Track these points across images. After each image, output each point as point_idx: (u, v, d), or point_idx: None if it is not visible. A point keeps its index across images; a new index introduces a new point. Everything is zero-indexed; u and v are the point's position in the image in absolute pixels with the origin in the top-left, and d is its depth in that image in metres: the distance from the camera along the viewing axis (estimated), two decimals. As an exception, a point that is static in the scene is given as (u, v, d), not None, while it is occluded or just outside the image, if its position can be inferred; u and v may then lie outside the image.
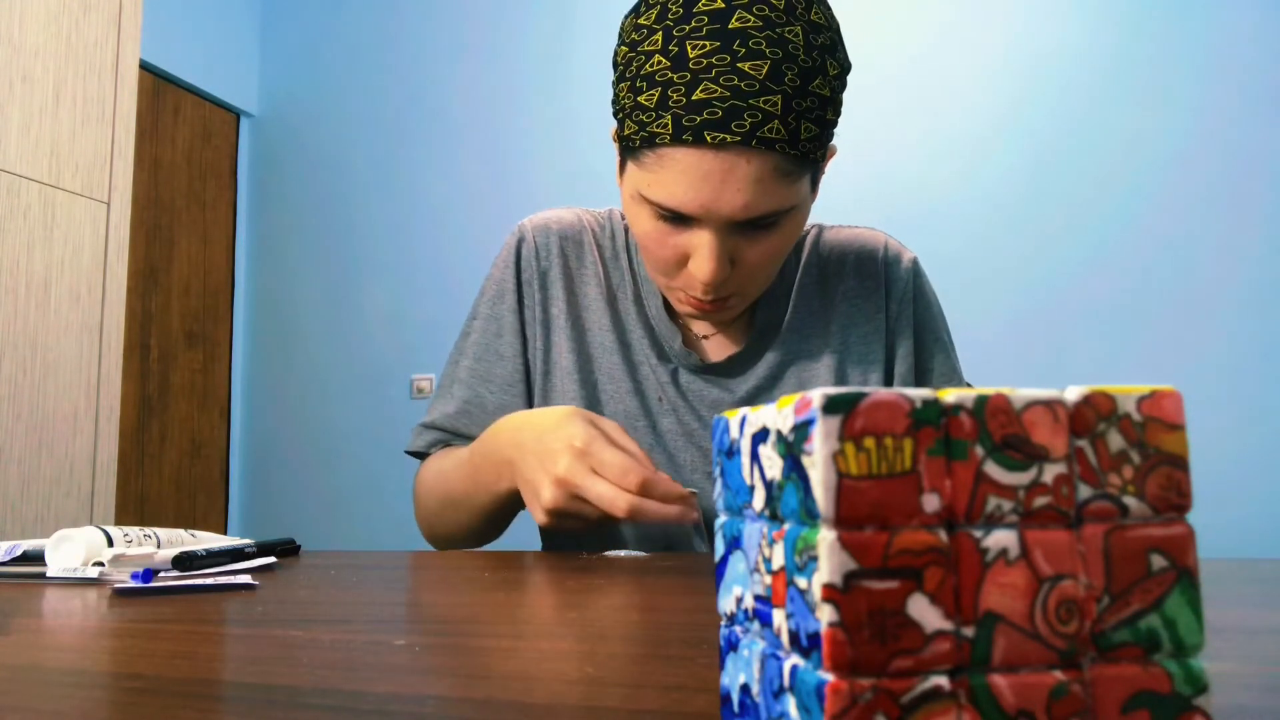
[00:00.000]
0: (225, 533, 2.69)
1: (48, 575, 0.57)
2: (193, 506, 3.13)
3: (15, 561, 0.64)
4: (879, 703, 0.16)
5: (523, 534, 1.01)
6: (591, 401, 0.85)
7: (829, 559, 0.16)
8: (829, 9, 0.70)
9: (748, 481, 0.21)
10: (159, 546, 0.65)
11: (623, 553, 0.71)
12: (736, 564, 0.21)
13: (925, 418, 0.17)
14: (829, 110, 0.68)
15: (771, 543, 0.19)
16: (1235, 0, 2.39)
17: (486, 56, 3.13)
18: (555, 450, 0.66)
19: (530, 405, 0.88)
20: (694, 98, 0.65)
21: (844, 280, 0.88)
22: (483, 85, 3.12)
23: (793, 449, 0.18)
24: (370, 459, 3.07)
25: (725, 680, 0.22)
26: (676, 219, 0.71)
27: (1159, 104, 2.43)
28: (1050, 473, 0.18)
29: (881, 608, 0.16)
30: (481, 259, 2.69)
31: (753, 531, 0.20)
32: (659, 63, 0.67)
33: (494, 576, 0.58)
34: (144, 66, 2.96)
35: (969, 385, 0.88)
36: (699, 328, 0.87)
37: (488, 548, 0.81)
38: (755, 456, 0.20)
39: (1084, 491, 0.18)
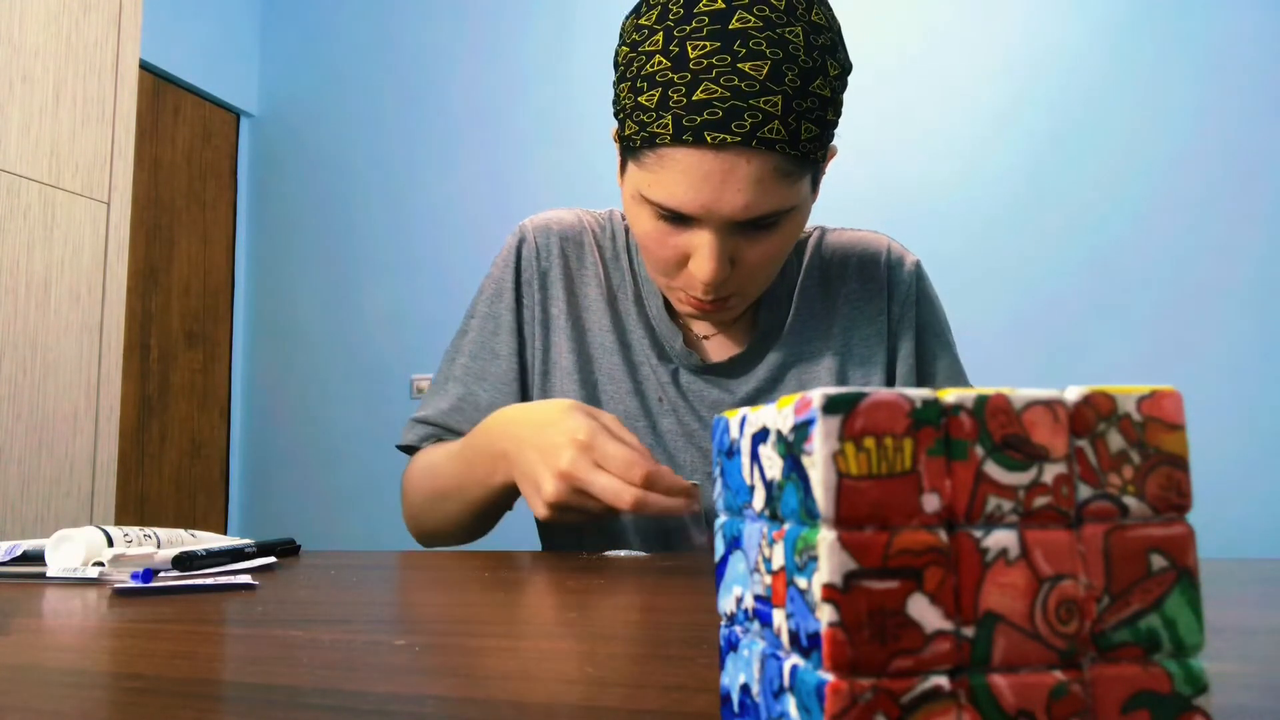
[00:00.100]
0: (225, 533, 2.69)
1: (48, 575, 0.57)
2: (193, 506, 3.13)
3: (15, 561, 0.64)
4: (879, 703, 0.16)
5: (523, 534, 1.01)
6: (591, 401, 0.85)
7: (829, 559, 0.16)
8: (829, 9, 0.70)
9: (748, 481, 0.21)
10: (159, 546, 0.66)
11: (623, 553, 0.71)
12: (736, 564, 0.21)
13: (925, 418, 0.17)
14: (829, 111, 0.68)
15: (771, 543, 0.19)
16: (1235, 0, 2.39)
17: (486, 56, 3.13)
18: (558, 444, 0.65)
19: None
20: (694, 98, 0.65)
21: (846, 283, 0.88)
22: (483, 85, 3.12)
23: (793, 449, 0.18)
24: (370, 459, 3.06)
25: (725, 680, 0.22)
26: (677, 219, 0.71)
27: (1159, 104, 2.43)
28: (1050, 473, 0.18)
29: (881, 608, 0.16)
30: (481, 259, 2.69)
31: (753, 531, 0.20)
32: (660, 63, 0.67)
33: (494, 576, 0.58)
34: (144, 66, 2.96)
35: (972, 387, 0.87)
36: (700, 328, 0.87)
37: (487, 548, 0.80)
38: (755, 456, 0.20)
39: (1084, 491, 0.18)
